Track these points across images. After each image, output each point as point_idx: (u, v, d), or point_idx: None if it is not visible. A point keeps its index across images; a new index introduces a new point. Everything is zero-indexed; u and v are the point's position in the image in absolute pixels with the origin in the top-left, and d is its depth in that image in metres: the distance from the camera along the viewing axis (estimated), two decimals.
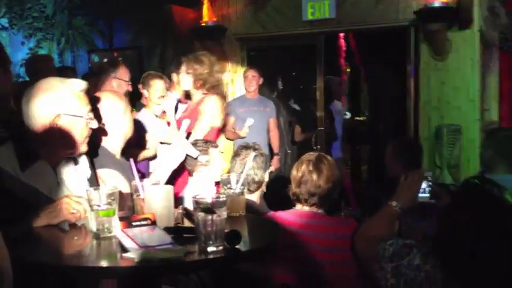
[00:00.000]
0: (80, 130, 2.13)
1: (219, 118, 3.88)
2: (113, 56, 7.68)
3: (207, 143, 3.26)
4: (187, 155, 3.16)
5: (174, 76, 4.84)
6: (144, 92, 4.56)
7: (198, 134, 3.78)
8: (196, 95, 3.99)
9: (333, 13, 5.39)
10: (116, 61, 4.24)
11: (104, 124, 2.50)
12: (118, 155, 2.59)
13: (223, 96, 4.03)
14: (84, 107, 2.14)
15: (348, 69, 9.63)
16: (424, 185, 2.19)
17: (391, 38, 5.79)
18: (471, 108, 4.91)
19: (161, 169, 2.68)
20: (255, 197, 3.10)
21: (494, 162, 3.40)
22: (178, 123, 3.78)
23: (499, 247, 1.72)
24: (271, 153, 5.71)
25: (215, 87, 3.95)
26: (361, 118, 8.85)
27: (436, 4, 4.70)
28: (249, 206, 2.68)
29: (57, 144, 2.10)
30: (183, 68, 3.99)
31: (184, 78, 4.00)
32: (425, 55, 5.05)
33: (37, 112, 2.05)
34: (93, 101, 2.33)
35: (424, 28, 4.89)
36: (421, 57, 5.08)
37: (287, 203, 2.81)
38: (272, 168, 5.62)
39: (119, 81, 3.96)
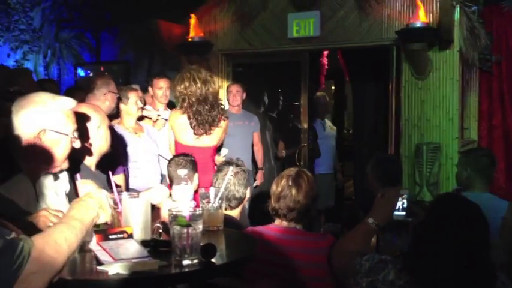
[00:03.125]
0: (62, 148, 2.14)
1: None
2: (99, 70, 7.71)
3: (186, 156, 3.29)
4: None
5: (150, 90, 4.89)
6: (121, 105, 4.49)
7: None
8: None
9: (317, 31, 5.47)
10: (106, 76, 4.30)
11: (90, 144, 2.53)
12: (93, 167, 2.62)
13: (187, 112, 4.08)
14: (71, 125, 2.16)
15: (333, 87, 9.74)
16: (401, 203, 2.22)
17: (375, 56, 5.87)
18: (451, 126, 4.98)
19: None
20: (235, 213, 3.13)
21: (471, 180, 3.48)
22: None
23: (469, 262, 1.76)
24: (256, 168, 5.74)
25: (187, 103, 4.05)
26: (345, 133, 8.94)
27: (418, 24, 4.78)
28: (229, 222, 2.71)
29: (38, 159, 2.10)
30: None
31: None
32: (407, 74, 5.13)
33: (23, 124, 2.05)
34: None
35: (406, 48, 4.97)
36: (403, 76, 5.15)
37: (270, 218, 2.84)
38: (257, 183, 5.65)
39: (112, 94, 4.02)
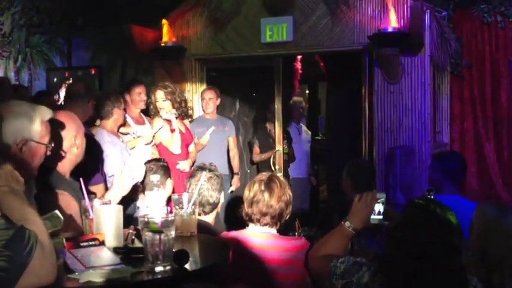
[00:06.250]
0: (39, 157, 2.13)
1: None
2: (77, 76, 7.59)
3: (158, 162, 3.27)
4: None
5: (127, 96, 4.88)
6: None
7: None
8: None
9: (290, 36, 5.49)
10: (91, 86, 4.31)
11: (66, 152, 2.49)
12: (67, 175, 2.58)
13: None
14: (48, 135, 2.16)
15: (307, 91, 9.79)
16: (377, 207, 2.23)
17: (349, 60, 5.92)
18: (423, 130, 5.04)
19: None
20: (210, 219, 3.11)
21: (441, 183, 3.54)
22: None
23: (442, 266, 1.78)
24: (232, 173, 5.73)
25: None
26: (319, 138, 9.00)
27: (389, 29, 4.84)
28: (204, 227, 2.70)
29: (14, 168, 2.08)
30: None
31: None
32: (379, 78, 5.18)
33: (5, 134, 2.02)
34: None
35: (378, 52, 5.03)
36: (375, 80, 5.20)
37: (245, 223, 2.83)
38: (233, 188, 5.64)
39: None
